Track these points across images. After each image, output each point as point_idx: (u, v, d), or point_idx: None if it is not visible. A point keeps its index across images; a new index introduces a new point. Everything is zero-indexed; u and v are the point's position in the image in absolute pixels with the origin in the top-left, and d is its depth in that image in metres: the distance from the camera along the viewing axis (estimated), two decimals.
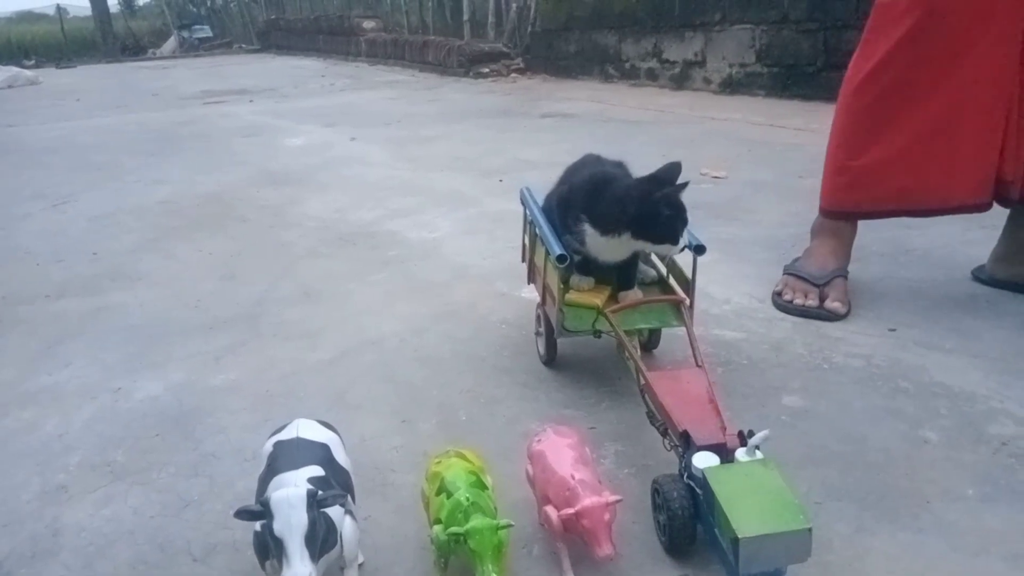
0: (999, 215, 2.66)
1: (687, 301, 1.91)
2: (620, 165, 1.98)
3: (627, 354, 1.76)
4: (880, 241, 2.99)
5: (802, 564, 1.27)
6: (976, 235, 2.88)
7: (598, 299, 1.91)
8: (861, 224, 2.54)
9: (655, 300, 1.94)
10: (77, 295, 2.95)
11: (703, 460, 1.32)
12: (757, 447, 1.32)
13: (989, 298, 2.42)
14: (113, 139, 6.86)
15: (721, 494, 1.22)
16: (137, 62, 18.41)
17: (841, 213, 2.50)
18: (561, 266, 1.85)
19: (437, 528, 1.25)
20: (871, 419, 1.81)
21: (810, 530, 1.17)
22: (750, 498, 1.21)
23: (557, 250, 1.84)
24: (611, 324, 1.82)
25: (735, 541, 1.16)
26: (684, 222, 1.78)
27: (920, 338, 2.19)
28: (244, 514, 1.13)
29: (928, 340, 2.17)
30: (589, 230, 1.83)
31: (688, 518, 1.33)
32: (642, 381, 1.64)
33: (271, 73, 13.19)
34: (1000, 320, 2.27)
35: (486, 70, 10.42)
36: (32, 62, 18.04)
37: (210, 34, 22.32)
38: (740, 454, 1.33)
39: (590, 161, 2.04)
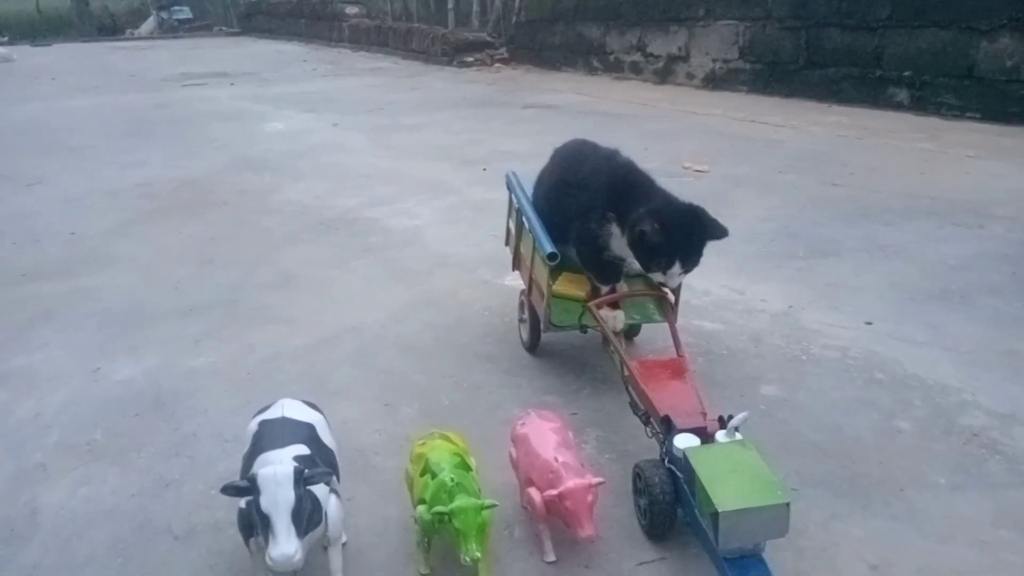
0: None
1: (671, 296, 1.92)
2: (616, 153, 1.95)
3: (612, 348, 1.78)
4: (855, 237, 3.03)
5: (777, 550, 1.30)
6: (948, 231, 2.93)
7: (582, 291, 1.91)
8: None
9: (639, 294, 1.94)
10: (51, 278, 2.90)
11: (684, 441, 1.34)
12: (736, 429, 1.35)
13: (962, 293, 2.47)
14: (88, 121, 6.74)
15: (702, 472, 1.25)
16: (114, 42, 18.05)
17: None
18: (552, 264, 1.84)
19: (421, 508, 1.26)
20: (846, 409, 1.84)
21: (788, 504, 1.20)
22: (730, 476, 1.24)
23: (548, 248, 1.83)
24: (596, 319, 1.83)
25: (715, 515, 1.19)
26: (667, 257, 1.71)
27: (895, 331, 2.23)
28: (230, 490, 1.13)
29: (902, 333, 2.21)
30: (616, 232, 1.79)
31: (669, 503, 1.35)
32: (626, 372, 1.66)
33: (252, 57, 13.02)
34: (971, 314, 2.32)
35: (470, 59, 10.38)
36: (5, 39, 17.61)
37: (190, 16, 21.93)
38: (720, 436, 1.36)
39: (588, 148, 2.01)
